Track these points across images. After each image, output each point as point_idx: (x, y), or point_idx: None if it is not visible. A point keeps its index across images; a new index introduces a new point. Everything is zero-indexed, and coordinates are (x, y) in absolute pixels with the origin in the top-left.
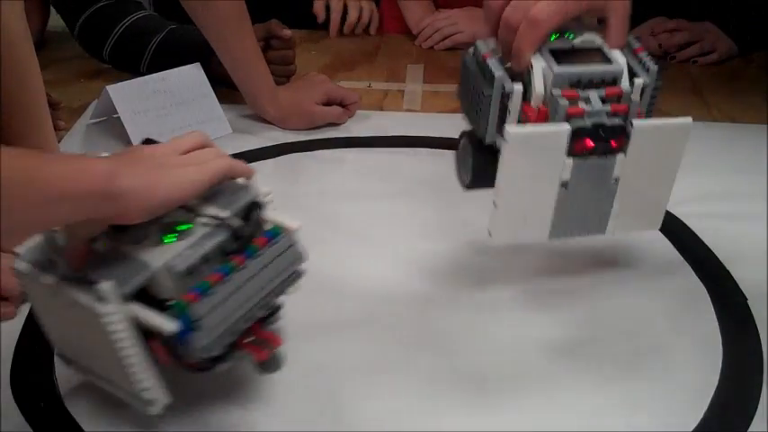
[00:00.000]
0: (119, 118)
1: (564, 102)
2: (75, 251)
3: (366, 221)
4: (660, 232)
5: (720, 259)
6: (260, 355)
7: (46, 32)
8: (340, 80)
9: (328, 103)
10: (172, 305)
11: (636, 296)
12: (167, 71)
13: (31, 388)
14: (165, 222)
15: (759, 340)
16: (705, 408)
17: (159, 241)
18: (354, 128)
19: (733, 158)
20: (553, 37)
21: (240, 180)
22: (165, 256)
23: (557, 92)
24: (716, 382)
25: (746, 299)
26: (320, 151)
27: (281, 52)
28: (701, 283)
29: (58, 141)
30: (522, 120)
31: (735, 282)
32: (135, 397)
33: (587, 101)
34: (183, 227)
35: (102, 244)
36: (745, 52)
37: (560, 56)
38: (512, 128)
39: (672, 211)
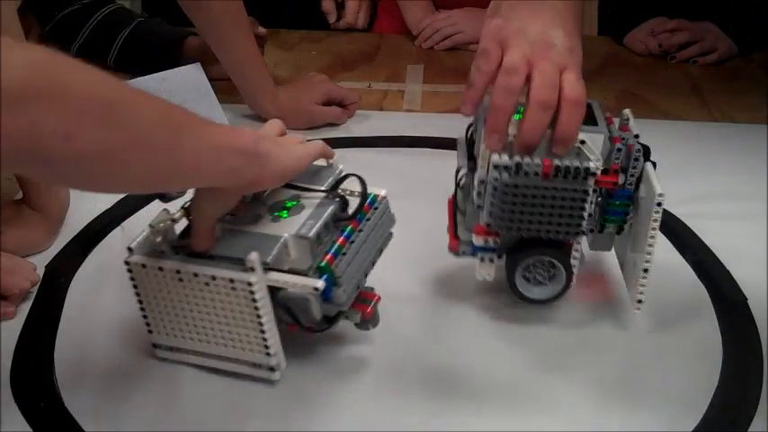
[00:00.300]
0: None
1: (638, 147)
2: (202, 234)
3: None
4: (660, 232)
5: (720, 259)
6: (366, 312)
7: None
8: (340, 80)
9: (328, 103)
10: (318, 266)
11: None
12: (167, 71)
13: (31, 388)
14: (270, 204)
15: (759, 340)
16: (705, 408)
17: (275, 218)
18: (354, 128)
19: (733, 158)
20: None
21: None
22: (291, 228)
23: (620, 145)
24: (716, 382)
25: (746, 299)
26: None
27: None
28: (700, 283)
29: None
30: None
31: (735, 282)
32: (258, 366)
33: (624, 138)
34: (290, 204)
35: (219, 228)
36: (745, 52)
37: None
38: (660, 189)
39: (672, 211)
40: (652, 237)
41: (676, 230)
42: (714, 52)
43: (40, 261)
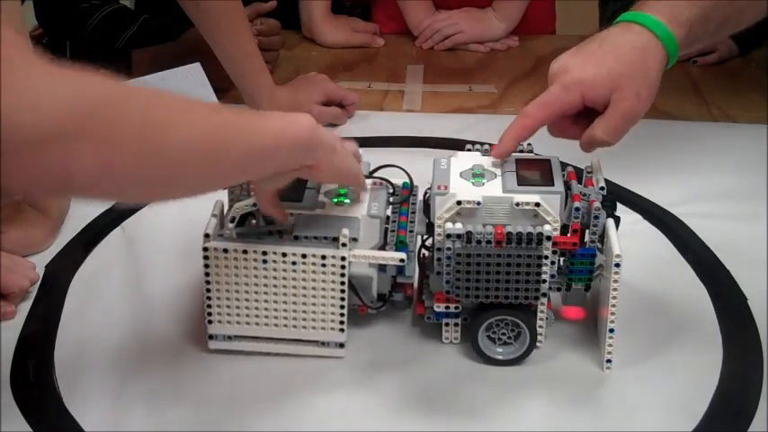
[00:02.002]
0: None
1: (598, 205)
2: (268, 201)
3: None
4: (660, 232)
5: (720, 259)
6: (408, 291)
7: None
8: (340, 80)
9: (327, 104)
10: (398, 241)
11: (636, 296)
12: (167, 71)
13: (31, 388)
14: (325, 191)
15: (759, 340)
16: (705, 408)
17: (338, 203)
18: (354, 128)
19: (733, 158)
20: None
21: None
22: (359, 210)
23: (578, 204)
24: (716, 382)
25: (746, 299)
26: None
27: (271, 39)
28: (701, 283)
29: None
30: (555, 252)
31: (735, 282)
32: (326, 344)
33: (585, 194)
34: (342, 190)
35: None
36: (745, 52)
37: (523, 181)
38: (618, 250)
39: (672, 211)
40: (614, 297)
41: (676, 230)
42: (714, 52)
43: (40, 261)
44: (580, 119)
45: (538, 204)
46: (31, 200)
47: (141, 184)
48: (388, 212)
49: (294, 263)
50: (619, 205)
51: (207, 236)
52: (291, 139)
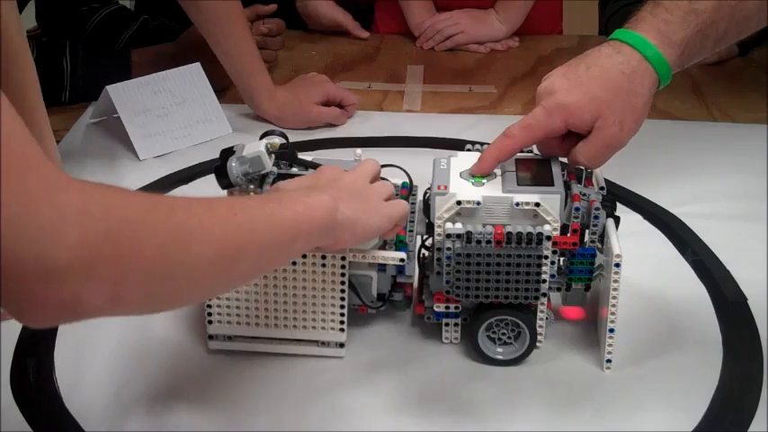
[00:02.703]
0: (119, 118)
1: (598, 205)
2: None
3: None
4: (660, 232)
5: (720, 259)
6: (407, 291)
7: None
8: (340, 81)
9: (327, 104)
10: (398, 240)
11: (636, 296)
12: (167, 71)
13: (31, 388)
14: None
15: (759, 340)
16: (705, 408)
17: None
18: (354, 128)
19: (733, 158)
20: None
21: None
22: None
23: (578, 204)
24: (716, 382)
25: (746, 299)
26: (320, 151)
27: (274, 38)
28: (701, 283)
29: (58, 142)
30: (555, 252)
31: (735, 282)
32: (327, 344)
33: (584, 194)
34: None
35: None
36: (745, 52)
37: (523, 181)
38: (618, 250)
39: (672, 211)
40: (614, 297)
41: (676, 230)
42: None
43: None
44: (569, 137)
45: (538, 204)
46: None
47: (153, 303)
48: None
49: (294, 263)
50: (619, 205)
51: None
52: (311, 225)
